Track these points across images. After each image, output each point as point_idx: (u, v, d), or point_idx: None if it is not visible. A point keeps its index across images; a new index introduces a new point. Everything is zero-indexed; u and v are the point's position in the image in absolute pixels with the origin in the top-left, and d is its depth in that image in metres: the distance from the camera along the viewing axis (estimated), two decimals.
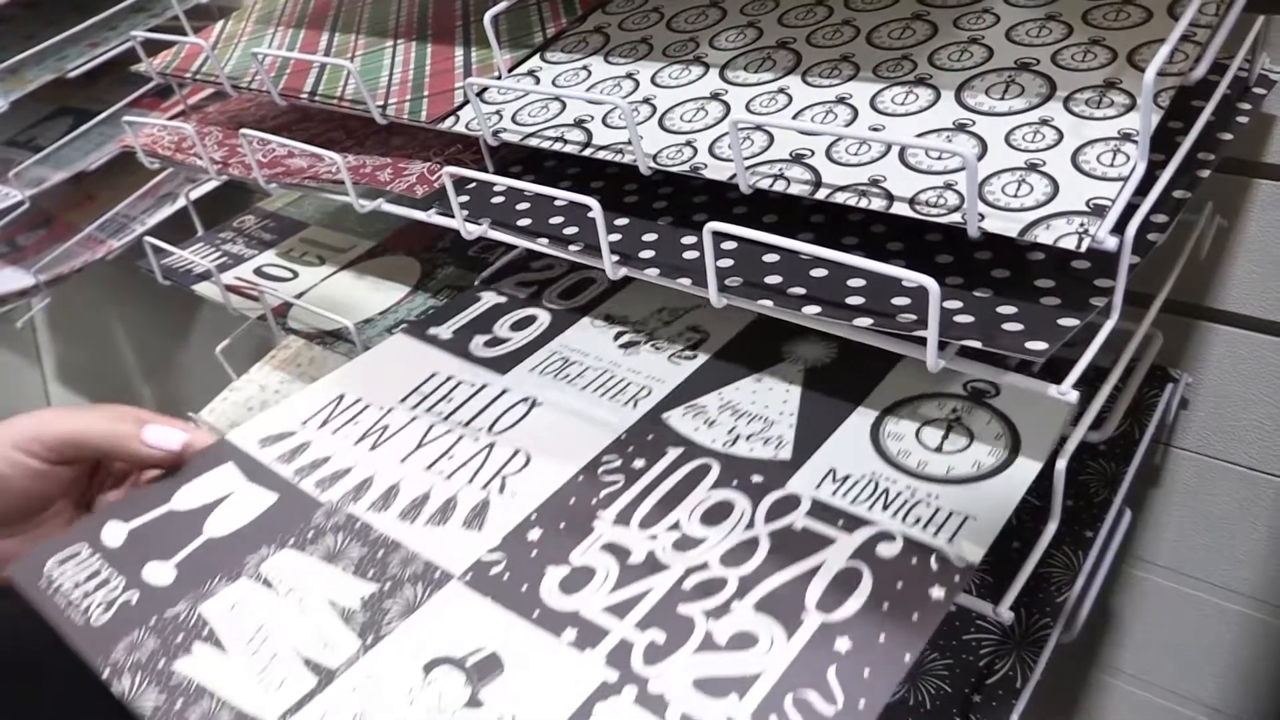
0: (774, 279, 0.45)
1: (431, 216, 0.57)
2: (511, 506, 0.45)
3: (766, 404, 0.49)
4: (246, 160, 0.66)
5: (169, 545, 0.47)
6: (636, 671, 0.37)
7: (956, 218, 0.39)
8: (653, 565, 0.41)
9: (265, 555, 0.45)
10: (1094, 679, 0.75)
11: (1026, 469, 0.43)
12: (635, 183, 0.55)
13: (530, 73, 0.57)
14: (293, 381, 0.82)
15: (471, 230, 0.54)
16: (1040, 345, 0.38)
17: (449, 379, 0.55)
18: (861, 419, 0.47)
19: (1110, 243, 0.37)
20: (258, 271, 0.75)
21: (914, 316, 0.40)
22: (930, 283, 0.37)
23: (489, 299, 0.61)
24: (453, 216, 0.55)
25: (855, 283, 0.43)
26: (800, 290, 0.44)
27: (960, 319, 0.40)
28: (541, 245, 0.52)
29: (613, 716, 0.36)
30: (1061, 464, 0.42)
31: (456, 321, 0.59)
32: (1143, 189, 0.41)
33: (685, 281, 0.46)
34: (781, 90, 0.49)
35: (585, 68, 0.56)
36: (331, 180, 0.61)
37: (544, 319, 0.58)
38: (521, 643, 0.39)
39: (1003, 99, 0.44)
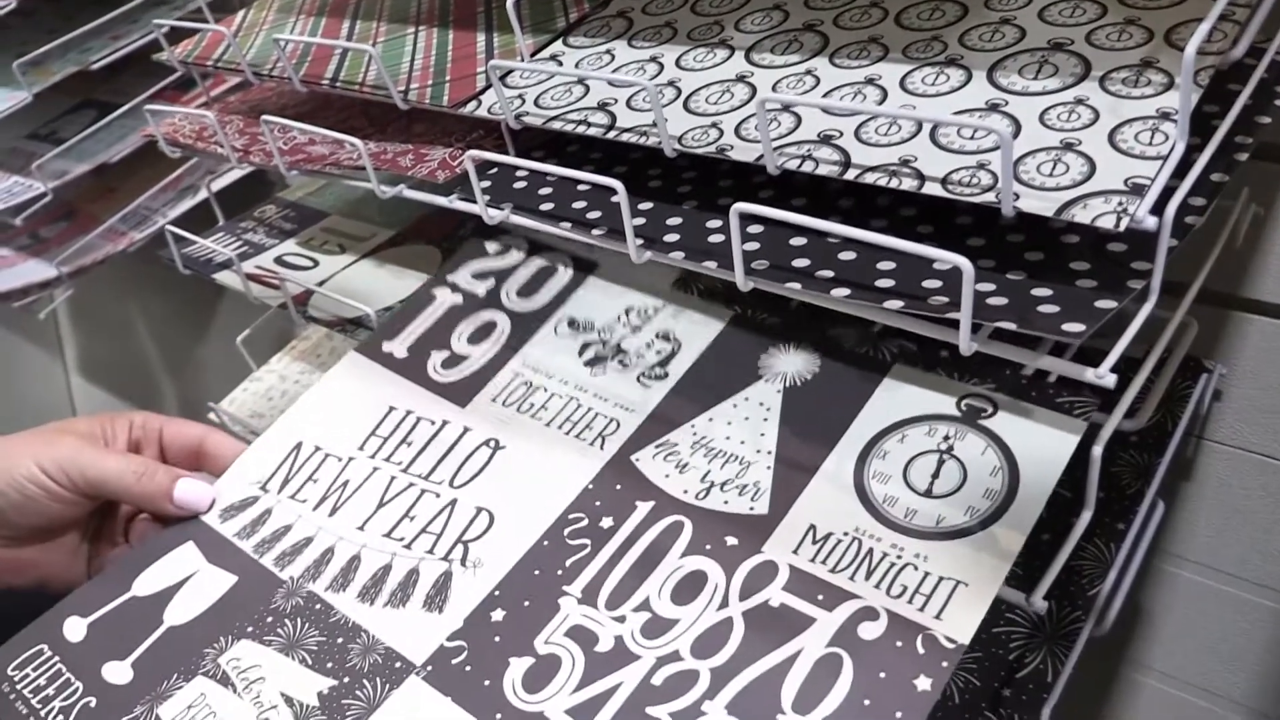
0: (801, 262, 0.44)
1: (453, 202, 0.56)
2: (474, 581, 0.44)
3: (742, 439, 0.46)
4: (268, 147, 0.65)
5: (128, 638, 0.46)
6: None
7: (990, 197, 0.38)
8: (621, 655, 0.39)
9: (222, 647, 0.45)
10: (1124, 676, 0.74)
11: (1026, 513, 0.40)
12: (659, 168, 0.54)
13: (553, 57, 0.56)
14: (313, 372, 0.82)
15: (493, 215, 0.53)
16: (1078, 327, 0.37)
17: (408, 414, 0.52)
18: (845, 456, 0.44)
19: (1150, 222, 0.36)
20: (278, 260, 0.74)
21: (946, 299, 0.39)
22: (964, 262, 0.36)
23: (444, 299, 0.58)
24: (474, 202, 0.54)
25: (885, 265, 0.42)
26: (829, 273, 0.43)
27: (994, 301, 0.39)
28: (564, 229, 0.51)
29: None
30: (1097, 450, 0.41)
31: (411, 332, 0.56)
32: (1179, 172, 0.40)
33: (711, 264, 0.45)
34: (809, 72, 0.48)
35: (609, 52, 0.55)
36: (353, 166, 0.61)
37: (504, 326, 0.55)
38: None
39: (1036, 79, 0.43)
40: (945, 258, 0.36)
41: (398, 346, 0.56)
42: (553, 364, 0.52)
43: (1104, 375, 0.37)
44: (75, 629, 0.47)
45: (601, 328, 0.53)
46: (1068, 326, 0.37)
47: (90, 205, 1.15)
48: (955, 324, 0.38)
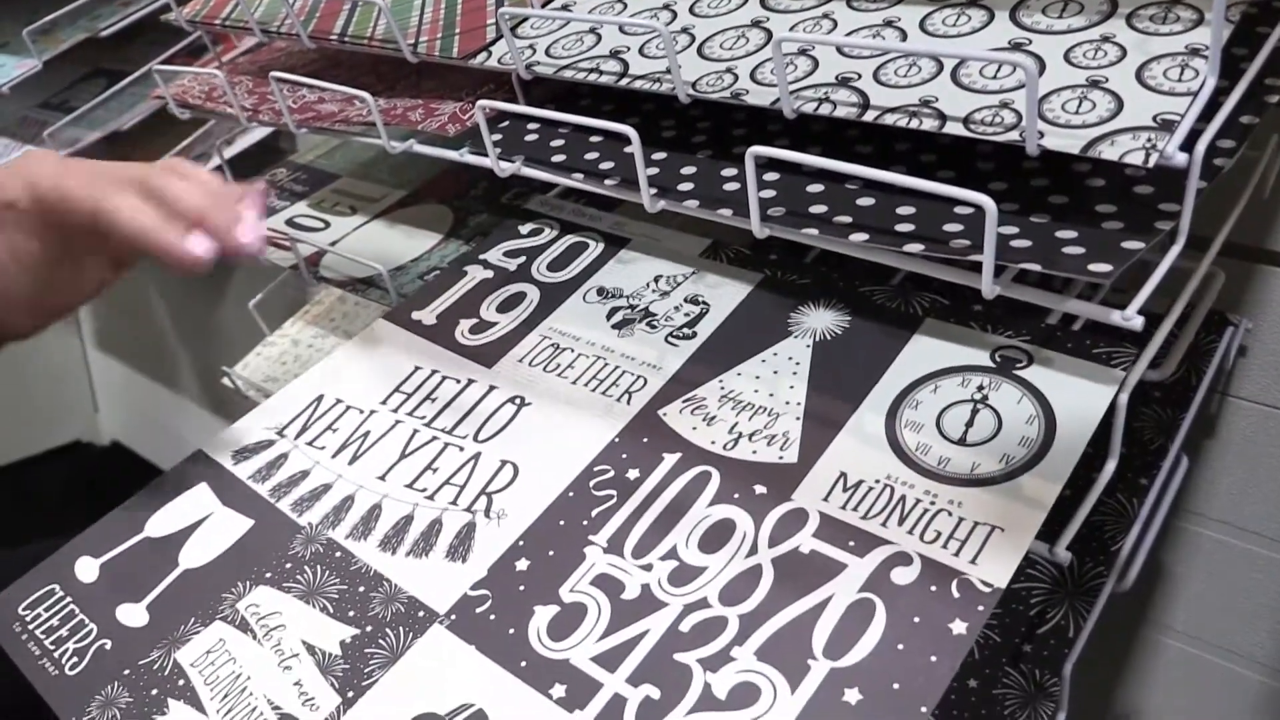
0: (819, 209, 0.43)
1: (464, 156, 0.55)
2: (498, 532, 0.43)
3: (771, 391, 0.45)
4: (276, 106, 0.64)
5: (143, 580, 0.45)
6: None
7: (1014, 136, 0.37)
8: (648, 603, 0.39)
9: (241, 593, 0.44)
10: (1145, 636, 0.73)
11: (1062, 461, 0.39)
12: (672, 118, 0.53)
13: (564, 6, 0.55)
14: (326, 336, 0.82)
15: (505, 168, 0.53)
16: (1105, 267, 0.36)
17: (433, 373, 0.51)
18: (876, 406, 0.43)
19: (1179, 159, 0.35)
20: (289, 222, 0.74)
21: (968, 242, 0.38)
22: (987, 201, 0.35)
23: (475, 274, 0.57)
24: (485, 155, 0.53)
25: (905, 210, 0.41)
26: (847, 219, 0.42)
27: (1017, 244, 0.38)
28: (576, 181, 0.50)
29: None
30: (1123, 396, 0.40)
31: (441, 303, 0.56)
32: (1206, 115, 0.39)
33: (726, 212, 0.45)
34: (825, 15, 0.47)
35: (621, 0, 0.54)
36: (362, 123, 0.60)
37: (533, 296, 0.54)
38: (508, 700, 0.37)
39: (1060, 17, 0.42)
40: (967, 197, 0.36)
41: (426, 315, 0.55)
42: (580, 328, 0.52)
43: (1130, 317, 0.36)
44: (87, 569, 0.47)
45: (630, 294, 0.53)
46: (1094, 267, 0.36)
47: None
48: (978, 267, 0.37)
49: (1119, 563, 0.51)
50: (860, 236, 0.41)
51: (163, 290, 1.49)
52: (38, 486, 1.77)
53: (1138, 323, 0.36)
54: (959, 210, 0.41)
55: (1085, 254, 0.37)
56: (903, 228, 0.41)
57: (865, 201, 0.43)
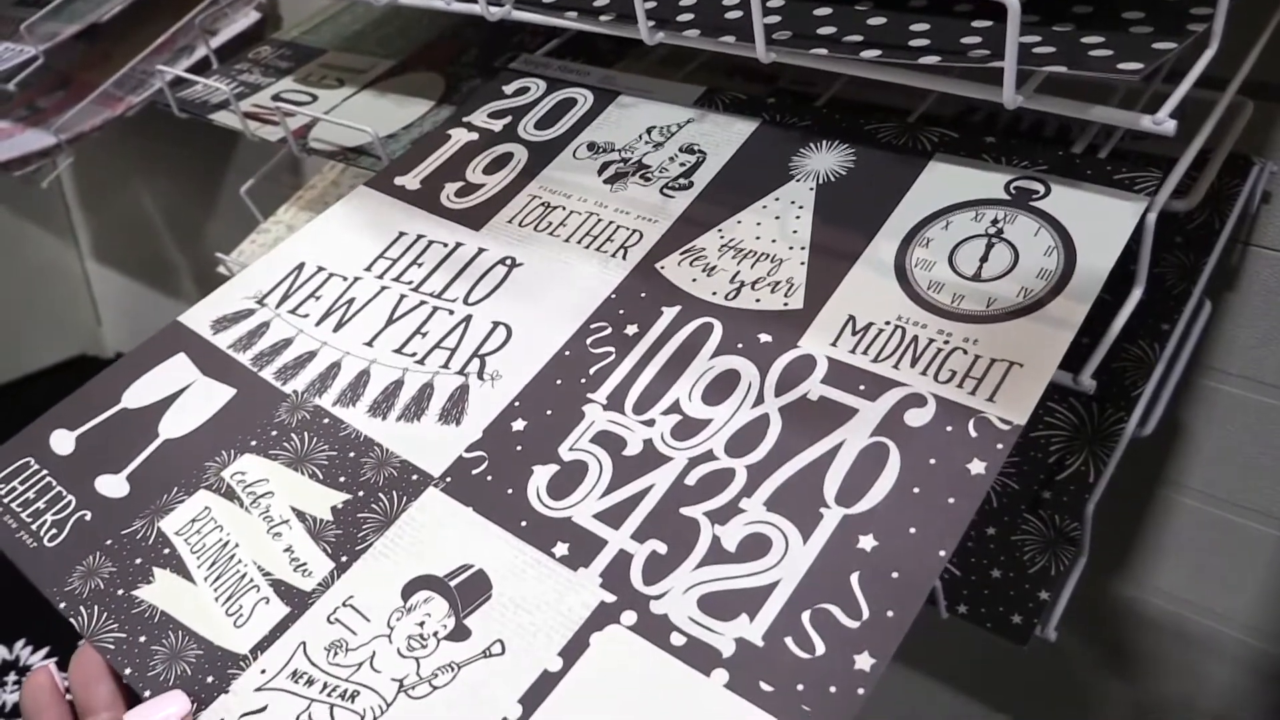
0: (827, 30, 0.41)
1: (451, 4, 0.52)
2: (492, 393, 0.41)
3: (774, 237, 0.43)
4: None
5: (122, 451, 0.44)
6: (637, 590, 0.34)
7: None
8: (651, 458, 0.37)
9: (225, 460, 0.42)
10: (1162, 495, 0.72)
11: (1083, 290, 0.37)
12: None
13: None
14: None
15: (494, 12, 0.50)
16: (1135, 65, 0.34)
17: (419, 238, 0.49)
18: (884, 246, 0.41)
19: None
20: (276, 98, 0.71)
21: (987, 51, 0.36)
22: None
23: (460, 137, 0.55)
24: (474, 1, 0.50)
25: (919, 27, 0.39)
26: (857, 38, 0.40)
27: (1040, 50, 0.36)
28: (570, 19, 0.48)
29: (611, 647, 0.32)
30: (1151, 216, 0.38)
31: (425, 168, 0.53)
32: None
33: (729, 39, 0.42)
34: None
35: None
36: None
37: (521, 156, 0.52)
38: (509, 560, 0.36)
39: None
40: None
41: (410, 180, 0.53)
42: (571, 184, 0.49)
43: (1162, 121, 0.34)
44: (63, 442, 0.45)
45: (622, 147, 0.50)
46: (1124, 65, 0.34)
47: (86, 73, 1.11)
48: (998, 78, 0.35)
49: (1139, 408, 0.50)
50: (872, 53, 0.38)
51: (155, 196, 1.47)
52: (45, 401, 1.77)
53: (1170, 126, 0.34)
54: (976, 24, 0.38)
55: (1113, 55, 0.35)
56: (917, 43, 0.38)
57: (876, 21, 0.40)
